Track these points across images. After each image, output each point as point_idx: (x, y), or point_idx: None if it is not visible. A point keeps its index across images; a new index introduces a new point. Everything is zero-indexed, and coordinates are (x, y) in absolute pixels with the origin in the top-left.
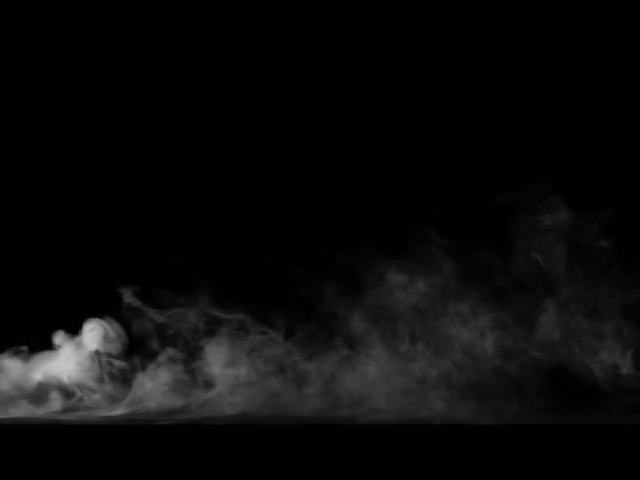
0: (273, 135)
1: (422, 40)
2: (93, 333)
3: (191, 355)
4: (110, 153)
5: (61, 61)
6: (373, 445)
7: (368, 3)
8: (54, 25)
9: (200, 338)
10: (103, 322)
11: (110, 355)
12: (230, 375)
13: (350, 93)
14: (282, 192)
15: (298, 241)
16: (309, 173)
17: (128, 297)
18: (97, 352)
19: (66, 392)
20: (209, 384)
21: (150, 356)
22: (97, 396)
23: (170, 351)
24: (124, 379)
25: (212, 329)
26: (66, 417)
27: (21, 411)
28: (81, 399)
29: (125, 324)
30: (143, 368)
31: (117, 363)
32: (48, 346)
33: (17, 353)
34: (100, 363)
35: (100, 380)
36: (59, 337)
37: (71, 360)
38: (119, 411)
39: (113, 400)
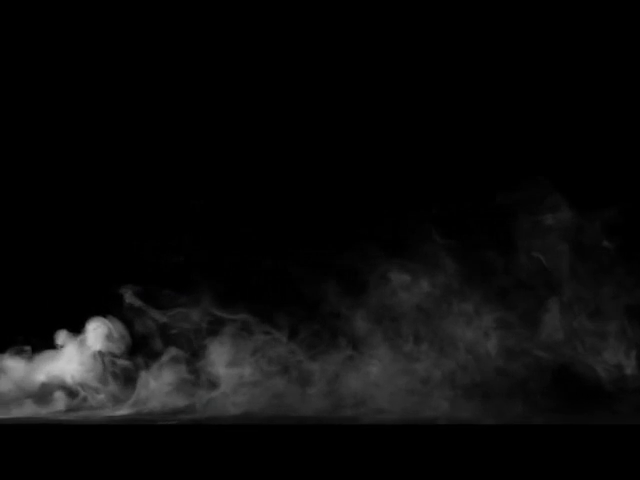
0: (274, 135)
1: (422, 40)
2: (96, 332)
3: (194, 355)
4: (111, 154)
5: (61, 61)
6: (377, 445)
7: (368, 3)
8: (54, 25)
9: (203, 338)
10: (106, 321)
11: (113, 355)
12: (234, 375)
13: (351, 93)
14: (285, 192)
15: (300, 241)
16: (311, 173)
17: (129, 297)
18: (100, 352)
19: (70, 392)
20: (213, 384)
21: (153, 356)
22: (101, 396)
23: (173, 351)
24: (127, 379)
25: (215, 329)
26: (70, 417)
27: (24, 411)
28: (85, 399)
29: (127, 324)
30: (146, 368)
31: (120, 363)
32: (50, 346)
33: (20, 353)
34: (103, 363)
35: (104, 380)
36: (62, 337)
37: (74, 360)
38: (123, 411)
39: (117, 400)
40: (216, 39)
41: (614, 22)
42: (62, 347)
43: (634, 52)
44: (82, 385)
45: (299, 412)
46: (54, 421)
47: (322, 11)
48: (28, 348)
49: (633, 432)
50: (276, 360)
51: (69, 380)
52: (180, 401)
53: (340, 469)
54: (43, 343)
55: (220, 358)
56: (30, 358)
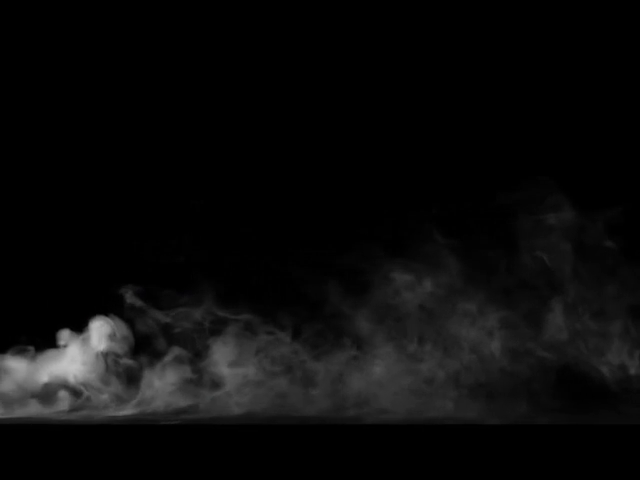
0: (274, 135)
1: (422, 39)
2: (100, 332)
3: (198, 355)
4: (113, 155)
5: (61, 61)
6: (381, 445)
7: (368, 3)
8: (54, 25)
9: (206, 338)
10: (109, 321)
11: (116, 355)
12: (237, 375)
13: (352, 93)
14: (287, 192)
15: (303, 241)
16: (312, 173)
17: (129, 297)
18: (104, 352)
19: (73, 392)
20: (216, 384)
21: (156, 356)
22: (104, 396)
23: (176, 351)
24: (130, 379)
25: (218, 329)
26: (73, 417)
27: (28, 411)
28: (88, 399)
29: (129, 324)
30: (150, 368)
31: (123, 363)
32: (53, 346)
33: (23, 353)
34: (107, 363)
35: (107, 380)
36: (65, 336)
37: (77, 359)
38: (126, 411)
39: (120, 400)
40: (216, 39)
41: (618, 21)
42: (65, 346)
43: (636, 52)
44: (85, 385)
45: (303, 412)
46: (57, 421)
47: (322, 11)
48: (31, 348)
49: (637, 432)
50: (279, 360)
51: (72, 380)
52: (183, 401)
53: (344, 469)
54: (45, 343)
55: (223, 358)
56: (33, 358)
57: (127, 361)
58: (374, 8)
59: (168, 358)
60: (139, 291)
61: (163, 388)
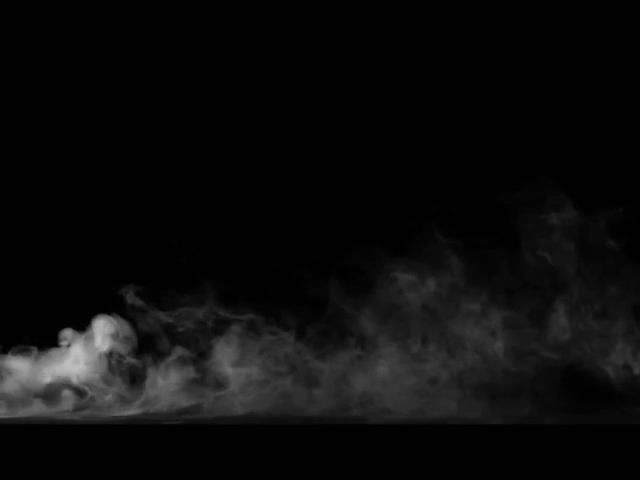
0: (275, 135)
1: (423, 38)
2: (103, 332)
3: (201, 355)
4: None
5: (61, 61)
6: (384, 445)
7: (368, 3)
8: (54, 25)
9: (209, 338)
10: (113, 320)
11: (120, 355)
12: (241, 375)
13: (353, 93)
14: (289, 192)
15: (305, 242)
16: (314, 173)
17: (131, 297)
18: (107, 351)
19: (77, 392)
20: (220, 384)
21: (159, 356)
22: (108, 396)
23: (180, 350)
24: (134, 379)
25: (222, 329)
26: (77, 417)
27: (32, 411)
28: (92, 399)
29: (132, 324)
30: (153, 368)
31: (127, 363)
32: (56, 346)
33: (26, 353)
34: (110, 363)
35: (111, 380)
36: (68, 336)
37: (81, 359)
38: (130, 411)
39: (123, 400)
40: (216, 39)
41: (621, 19)
42: (68, 346)
43: (638, 52)
44: (89, 385)
45: (306, 412)
46: (61, 421)
47: (322, 11)
48: (34, 348)
49: None
50: (283, 360)
51: (75, 380)
52: (187, 401)
53: (348, 469)
54: (48, 342)
55: (227, 358)
56: (36, 358)
57: (130, 361)
58: (374, 8)
59: (171, 358)
60: (140, 291)
61: (167, 388)
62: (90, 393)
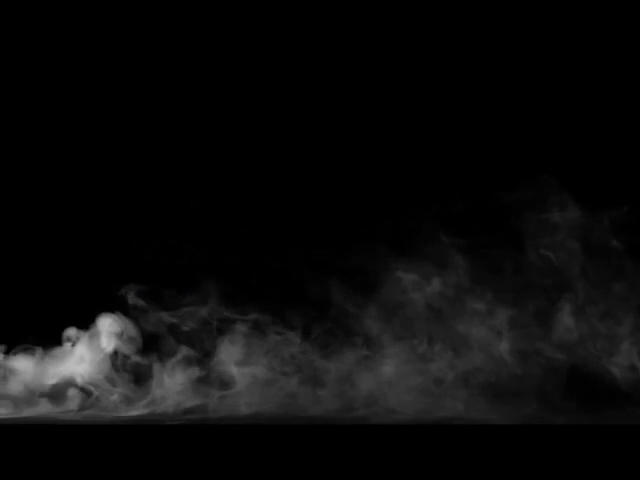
0: (275, 135)
1: (423, 38)
2: (109, 331)
3: (207, 355)
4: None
5: (61, 61)
6: (390, 445)
7: (368, 3)
8: (54, 25)
9: (214, 338)
10: (118, 319)
11: (125, 355)
12: (246, 374)
13: (354, 92)
14: (291, 192)
15: (309, 242)
16: (316, 173)
17: (133, 297)
18: (113, 351)
19: (82, 392)
20: (225, 384)
21: (164, 356)
22: (114, 396)
23: (184, 350)
24: (139, 379)
25: (227, 329)
26: (82, 417)
27: (37, 410)
28: (97, 399)
29: (136, 324)
30: (158, 367)
31: (132, 362)
32: (59, 345)
33: (30, 353)
34: (116, 363)
35: (116, 380)
36: (72, 335)
37: (86, 359)
38: (135, 411)
39: (129, 400)
40: (216, 39)
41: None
42: (73, 346)
43: None
44: (94, 385)
45: (311, 412)
46: (66, 421)
47: (322, 11)
48: (38, 347)
49: None
50: (289, 360)
51: (80, 380)
52: (192, 401)
53: (353, 469)
54: (51, 342)
55: (232, 358)
56: (41, 357)
57: (135, 361)
58: (374, 8)
59: (176, 358)
60: (141, 291)
61: (172, 388)
62: (95, 393)
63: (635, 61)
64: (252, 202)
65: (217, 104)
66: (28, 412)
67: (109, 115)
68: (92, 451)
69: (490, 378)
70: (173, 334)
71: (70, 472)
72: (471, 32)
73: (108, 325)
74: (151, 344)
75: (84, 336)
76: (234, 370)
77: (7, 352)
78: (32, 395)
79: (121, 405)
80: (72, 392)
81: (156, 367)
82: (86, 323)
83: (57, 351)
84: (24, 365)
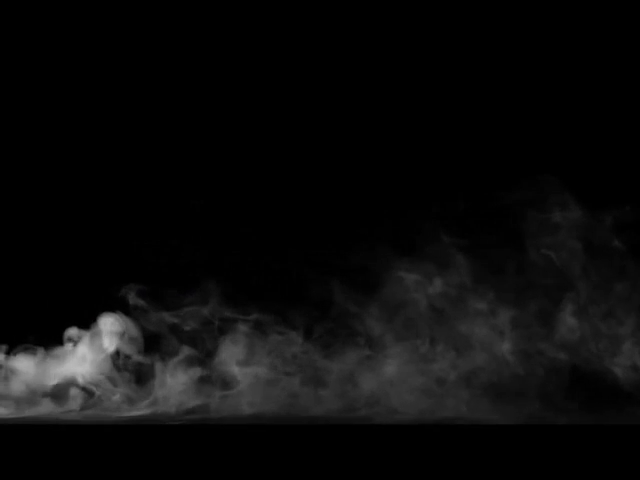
0: (275, 135)
1: (424, 37)
2: (110, 331)
3: (208, 355)
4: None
5: (61, 61)
6: (392, 445)
7: (368, 3)
8: (54, 25)
9: (216, 338)
10: (119, 319)
11: (127, 355)
12: (248, 374)
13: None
14: (293, 191)
15: (311, 241)
16: (317, 173)
17: (133, 298)
18: (115, 351)
19: (84, 392)
20: (227, 384)
21: (165, 356)
22: (116, 396)
23: (186, 350)
24: (141, 379)
25: (229, 328)
26: (84, 417)
27: (38, 410)
28: (99, 399)
29: (138, 324)
30: (160, 367)
31: (134, 362)
32: (60, 345)
33: (31, 353)
34: (118, 363)
35: (118, 380)
36: (73, 335)
37: (88, 359)
38: (137, 411)
39: (130, 400)
40: (216, 39)
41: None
42: (74, 345)
43: None
44: (96, 385)
45: (314, 412)
46: (68, 421)
47: (322, 11)
48: (39, 347)
49: None
50: (291, 360)
51: (82, 380)
52: (194, 401)
53: (355, 469)
54: (52, 342)
55: (234, 358)
56: (43, 357)
57: (137, 361)
58: (373, 8)
59: (178, 358)
60: (141, 291)
61: (174, 388)
62: (97, 393)
63: (636, 61)
64: (254, 202)
65: (217, 104)
66: (30, 412)
67: (109, 116)
68: (94, 451)
69: (492, 378)
70: (175, 334)
71: (72, 472)
72: (472, 32)
73: (110, 325)
74: (153, 344)
75: (85, 336)
76: (236, 370)
77: (8, 352)
78: (34, 395)
79: (123, 405)
80: (74, 392)
81: (158, 367)
82: (87, 323)
83: (58, 351)
84: (26, 365)
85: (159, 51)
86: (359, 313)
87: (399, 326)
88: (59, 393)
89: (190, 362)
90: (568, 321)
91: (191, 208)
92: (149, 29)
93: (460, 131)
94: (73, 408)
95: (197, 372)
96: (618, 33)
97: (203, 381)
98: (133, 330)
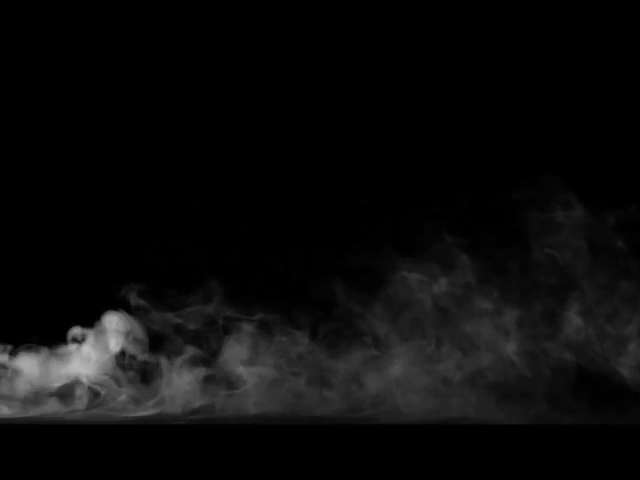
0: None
1: (424, 37)
2: (115, 330)
3: (213, 355)
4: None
5: (61, 61)
6: (397, 445)
7: (368, 3)
8: (54, 25)
9: (221, 338)
10: (124, 319)
11: (132, 355)
12: (253, 374)
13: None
14: (295, 191)
15: (315, 241)
16: (319, 173)
17: (134, 298)
18: (121, 352)
19: (89, 391)
20: (232, 384)
21: (170, 356)
22: (121, 397)
23: (191, 350)
24: (146, 379)
25: (233, 328)
26: (89, 417)
27: (43, 410)
28: (104, 398)
29: (142, 324)
30: (165, 367)
31: (138, 362)
32: (64, 345)
33: (35, 352)
34: (123, 363)
35: (123, 380)
36: (78, 335)
37: (93, 359)
38: (142, 411)
39: (136, 400)
40: (216, 39)
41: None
42: (79, 345)
43: None
44: (101, 385)
45: (319, 412)
46: (72, 421)
47: (322, 11)
48: (43, 347)
49: None
50: (296, 360)
51: (86, 380)
52: (199, 401)
53: (361, 469)
54: (56, 341)
55: (239, 358)
56: (47, 357)
57: (142, 360)
58: (373, 7)
59: (183, 358)
60: (143, 291)
61: (179, 388)
62: (102, 393)
63: (638, 61)
64: (256, 202)
65: (217, 104)
66: (35, 412)
67: (110, 116)
68: (100, 451)
69: (498, 378)
70: (179, 334)
71: (78, 472)
72: (473, 32)
73: (114, 325)
74: (157, 344)
75: (90, 335)
76: (241, 370)
77: (13, 352)
78: (39, 395)
79: (129, 405)
80: (79, 392)
81: (163, 367)
82: (91, 323)
83: (63, 350)
84: (30, 365)
85: (159, 51)
86: (365, 313)
87: (405, 326)
88: (64, 393)
89: (195, 362)
90: (573, 321)
91: (191, 208)
92: (149, 29)
93: (463, 131)
94: (79, 408)
95: (202, 372)
96: (620, 33)
97: (208, 381)
98: (138, 330)
